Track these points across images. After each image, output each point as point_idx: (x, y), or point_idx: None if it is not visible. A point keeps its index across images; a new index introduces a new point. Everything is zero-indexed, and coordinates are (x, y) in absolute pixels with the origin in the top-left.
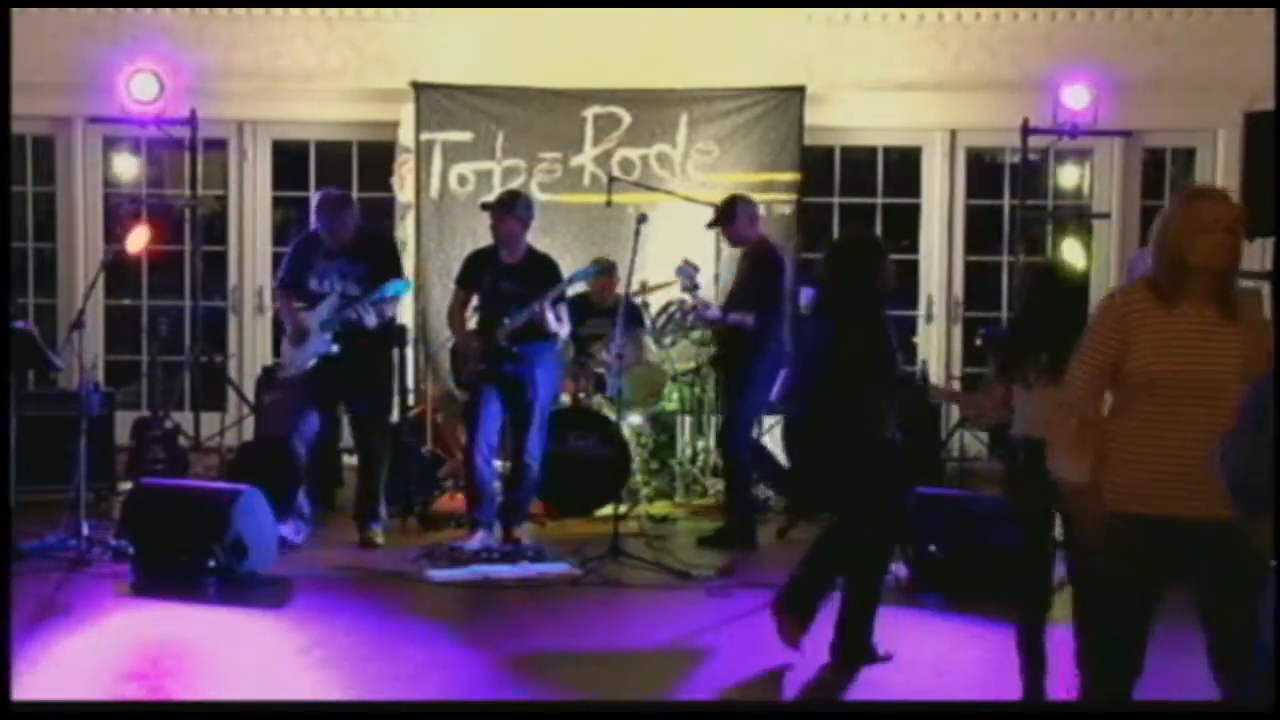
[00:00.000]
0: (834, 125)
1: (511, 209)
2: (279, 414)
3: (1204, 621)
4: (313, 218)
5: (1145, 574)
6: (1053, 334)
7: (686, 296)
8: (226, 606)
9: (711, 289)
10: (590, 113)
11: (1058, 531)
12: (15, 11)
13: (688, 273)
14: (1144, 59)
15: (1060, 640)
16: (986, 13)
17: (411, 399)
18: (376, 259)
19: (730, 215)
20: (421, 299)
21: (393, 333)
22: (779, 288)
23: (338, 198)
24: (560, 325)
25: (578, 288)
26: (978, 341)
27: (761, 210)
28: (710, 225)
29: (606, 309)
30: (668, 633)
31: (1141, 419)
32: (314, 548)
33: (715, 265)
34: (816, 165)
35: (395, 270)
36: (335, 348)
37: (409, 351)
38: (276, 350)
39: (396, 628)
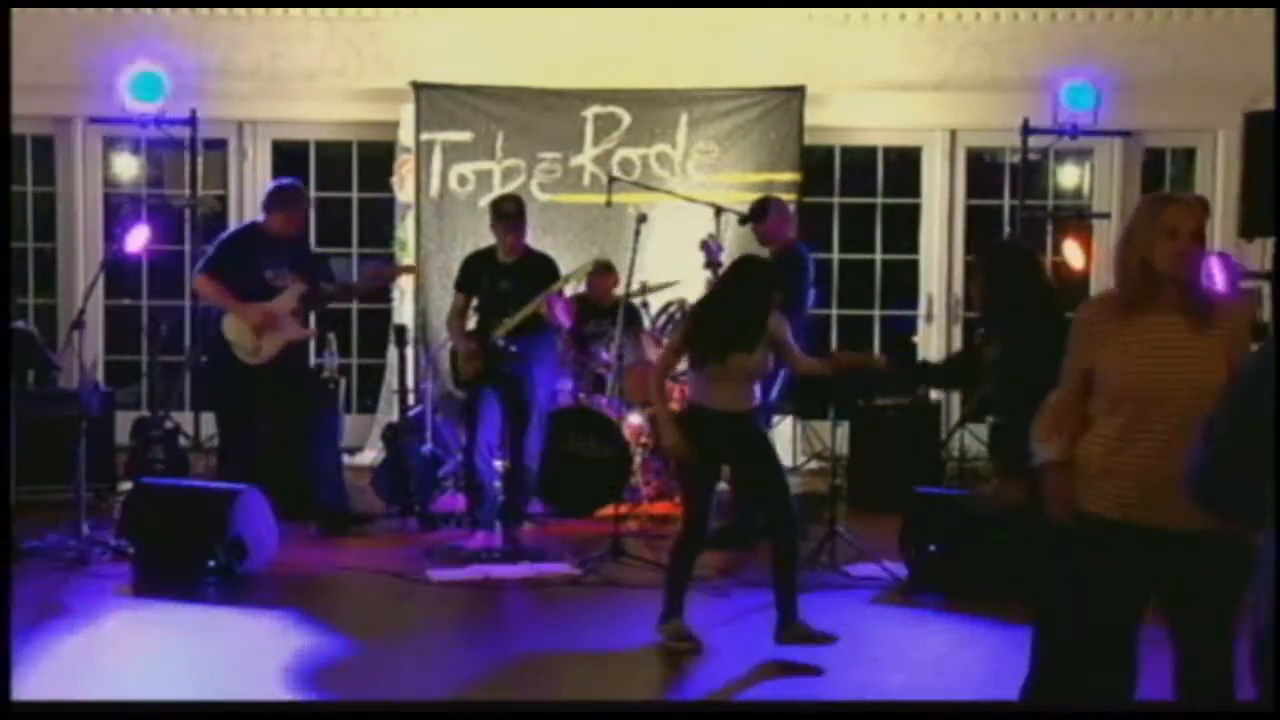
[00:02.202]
0: (834, 125)
1: (523, 217)
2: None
3: (1172, 636)
4: (268, 209)
5: (1123, 578)
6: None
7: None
8: (226, 606)
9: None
10: (590, 113)
11: None
12: (15, 11)
13: (714, 249)
14: (1144, 59)
15: None
16: (986, 13)
17: (411, 398)
18: (314, 258)
19: (762, 213)
20: (421, 299)
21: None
22: (799, 287)
23: (301, 190)
24: (565, 318)
25: (576, 287)
26: (977, 341)
27: None
28: (742, 222)
29: (606, 309)
30: None
31: (1112, 431)
32: (314, 548)
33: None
34: (816, 165)
35: (317, 268)
36: (310, 332)
37: (409, 351)
38: None
39: (396, 628)
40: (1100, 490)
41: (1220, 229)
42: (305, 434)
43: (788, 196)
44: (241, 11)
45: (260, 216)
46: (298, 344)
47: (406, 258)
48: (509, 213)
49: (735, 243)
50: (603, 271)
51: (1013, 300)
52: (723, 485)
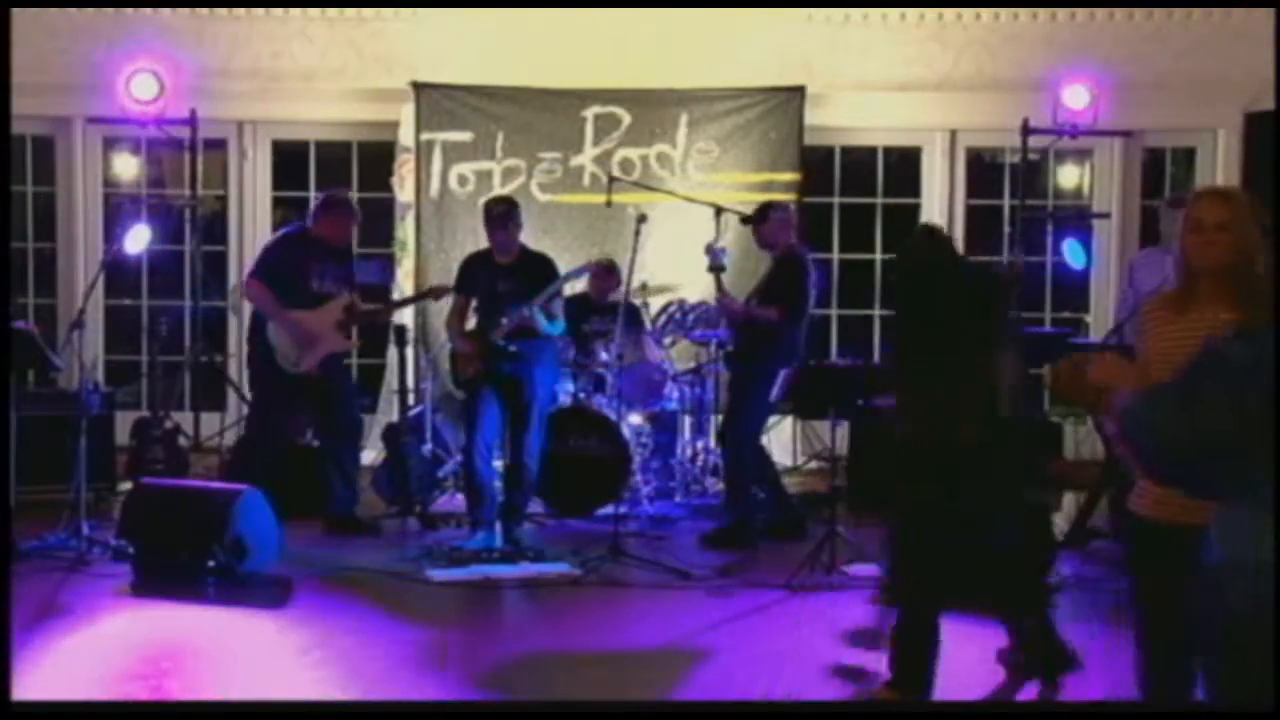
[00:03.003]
0: (834, 125)
1: (513, 219)
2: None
3: None
4: (316, 216)
5: (1164, 576)
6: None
7: (712, 279)
8: (226, 606)
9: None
10: (590, 113)
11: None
12: (15, 11)
13: (718, 254)
14: (1144, 59)
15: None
16: (986, 13)
17: (411, 398)
18: (352, 265)
19: (762, 217)
20: None
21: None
22: (802, 291)
23: (350, 200)
24: (552, 324)
25: (577, 287)
26: None
27: None
28: (744, 222)
29: (606, 307)
30: (668, 633)
31: None
32: (314, 548)
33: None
34: (816, 165)
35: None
36: (353, 343)
37: (409, 351)
38: None
39: (396, 628)
40: (1147, 490)
41: None
42: (334, 434)
43: (788, 196)
44: (241, 11)
45: (309, 222)
46: (338, 355)
47: (407, 258)
48: (496, 214)
49: (736, 243)
50: (604, 272)
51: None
52: (720, 485)
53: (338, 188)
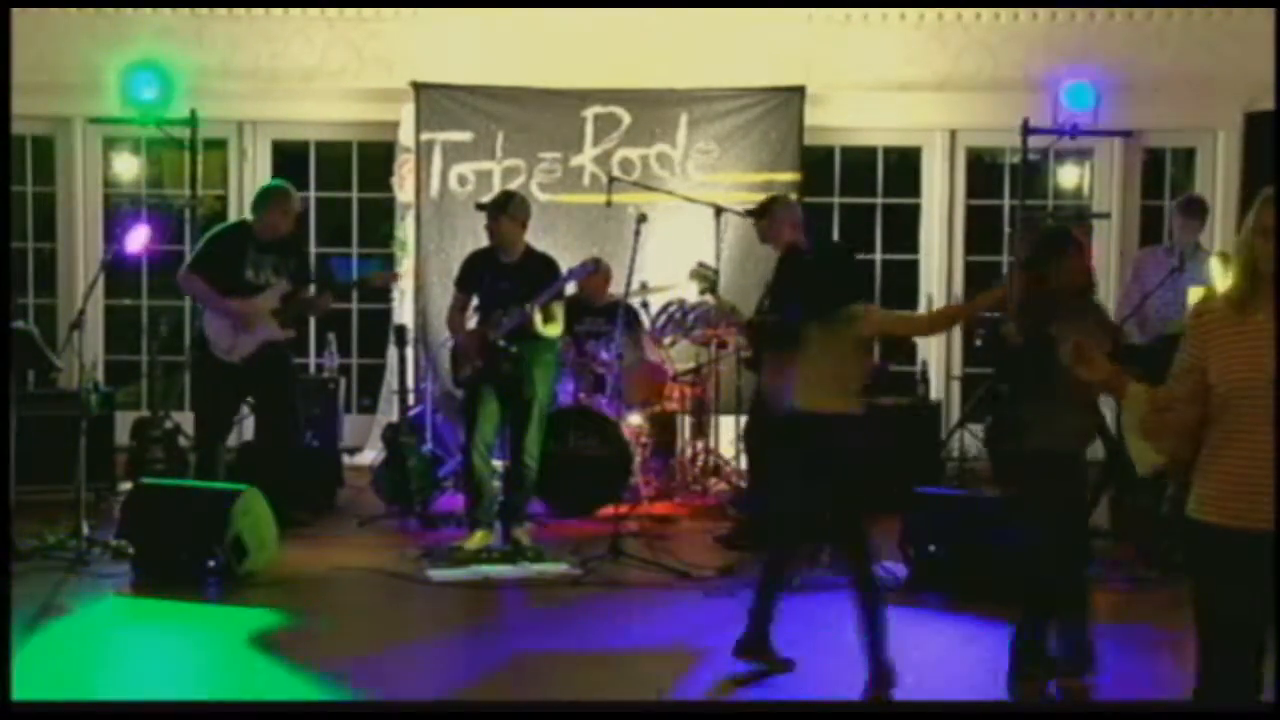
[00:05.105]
0: (834, 125)
1: (505, 209)
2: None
3: None
4: (256, 208)
5: (1235, 585)
6: None
7: (709, 298)
8: (226, 606)
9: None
10: (590, 113)
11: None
12: (15, 11)
13: (708, 275)
14: (1144, 59)
15: None
16: (986, 13)
17: (411, 398)
18: (303, 258)
19: (763, 213)
20: (421, 299)
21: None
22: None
23: (289, 191)
24: (549, 326)
25: (570, 288)
26: (977, 342)
27: None
28: (746, 214)
29: (601, 308)
30: (668, 633)
31: (1222, 430)
32: (314, 548)
33: (715, 264)
34: (816, 165)
35: (309, 271)
36: (290, 333)
37: (409, 351)
38: None
39: (396, 628)
40: (1205, 495)
41: (1220, 229)
42: (267, 430)
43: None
44: (241, 11)
45: (250, 215)
46: (276, 344)
47: (406, 258)
48: (493, 202)
49: (737, 243)
50: (598, 273)
51: None
52: (723, 487)
53: (277, 179)
